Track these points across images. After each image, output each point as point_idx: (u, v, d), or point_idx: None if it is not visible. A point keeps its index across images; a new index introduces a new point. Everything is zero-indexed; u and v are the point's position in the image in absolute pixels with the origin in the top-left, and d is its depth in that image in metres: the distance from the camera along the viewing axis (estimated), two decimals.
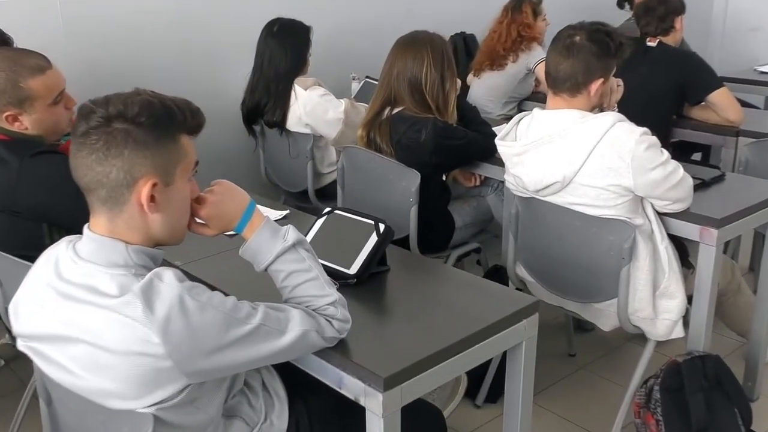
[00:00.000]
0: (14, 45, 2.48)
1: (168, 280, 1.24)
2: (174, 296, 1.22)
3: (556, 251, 2.31)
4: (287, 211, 2.24)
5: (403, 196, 2.64)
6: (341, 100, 3.19)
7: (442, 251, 2.84)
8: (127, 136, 1.25)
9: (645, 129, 2.10)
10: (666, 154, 2.11)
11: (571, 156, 2.09)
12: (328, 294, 1.43)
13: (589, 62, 2.11)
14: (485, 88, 4.03)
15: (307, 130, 3.21)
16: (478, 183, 3.09)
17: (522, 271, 2.48)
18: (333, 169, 3.27)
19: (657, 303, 2.21)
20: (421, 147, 2.58)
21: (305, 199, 3.33)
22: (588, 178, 2.10)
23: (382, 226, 1.78)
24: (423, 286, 1.82)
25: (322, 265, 1.50)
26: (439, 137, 2.57)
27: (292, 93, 3.19)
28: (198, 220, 1.42)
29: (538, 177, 2.18)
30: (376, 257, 1.77)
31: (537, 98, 4.04)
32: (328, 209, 1.92)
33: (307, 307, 1.41)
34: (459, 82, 2.77)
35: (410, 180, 2.61)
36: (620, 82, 2.33)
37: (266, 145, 3.45)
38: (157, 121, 1.27)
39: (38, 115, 1.89)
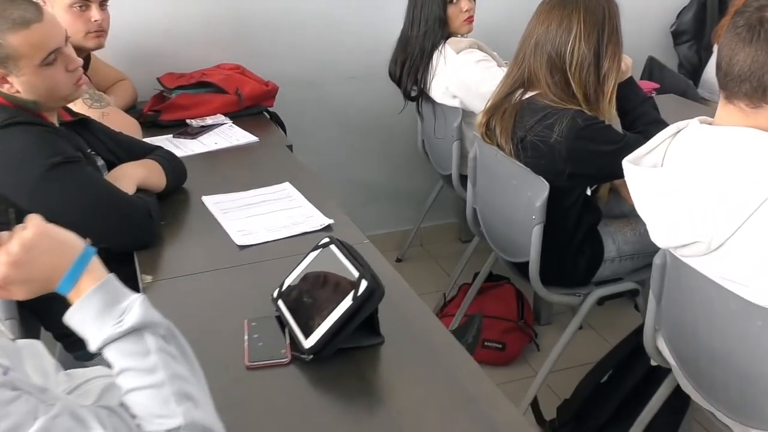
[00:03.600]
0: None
1: None
2: None
3: (705, 340, 1.52)
4: (330, 221, 1.72)
5: (527, 210, 1.97)
6: (503, 68, 2.53)
7: (580, 287, 2.12)
8: None
9: None
10: None
11: (731, 206, 1.29)
12: (170, 415, 0.92)
13: None
14: None
15: (455, 103, 2.61)
16: None
17: (664, 348, 1.71)
18: None
19: None
20: (552, 149, 1.87)
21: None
22: (748, 246, 1.29)
23: (363, 285, 1.21)
24: (401, 392, 1.21)
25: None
26: (578, 138, 1.84)
27: (440, 55, 2.59)
28: None
29: (668, 228, 1.41)
30: (348, 329, 1.21)
31: None
32: (326, 239, 1.38)
33: (137, 426, 0.92)
34: (628, 61, 1.99)
35: (536, 191, 1.93)
36: None
37: (423, 113, 2.91)
38: None
39: (27, 77, 1.58)
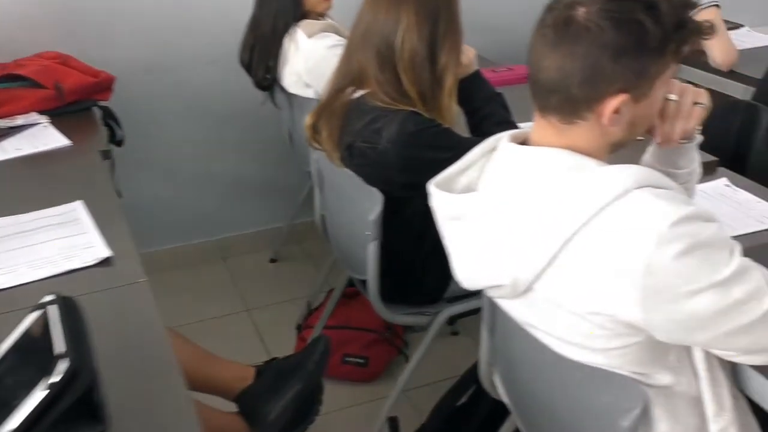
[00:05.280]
0: None
1: None
2: None
3: (530, 385, 1.32)
4: (109, 254, 1.45)
5: (363, 224, 1.74)
6: None
7: (431, 304, 1.90)
8: None
9: (695, 209, 1.01)
10: (734, 261, 1.01)
11: (535, 245, 1.07)
12: None
13: (598, 60, 1.04)
14: None
15: (309, 93, 2.34)
16: None
17: (500, 384, 1.50)
18: None
19: None
20: (382, 156, 1.63)
21: None
22: (557, 292, 1.08)
23: (62, 367, 0.95)
24: None
25: None
26: (408, 144, 1.60)
27: (290, 39, 2.32)
28: None
29: (472, 267, 1.18)
30: (44, 422, 0.95)
31: (695, 62, 2.78)
32: (49, 297, 1.11)
33: None
34: (470, 54, 1.75)
35: (371, 203, 1.70)
36: (700, 95, 1.22)
37: (279, 104, 2.63)
38: None
39: None
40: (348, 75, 1.71)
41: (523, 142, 1.19)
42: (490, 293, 1.21)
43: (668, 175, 1.32)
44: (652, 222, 0.99)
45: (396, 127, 1.59)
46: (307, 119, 1.77)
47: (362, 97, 1.68)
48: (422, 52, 1.61)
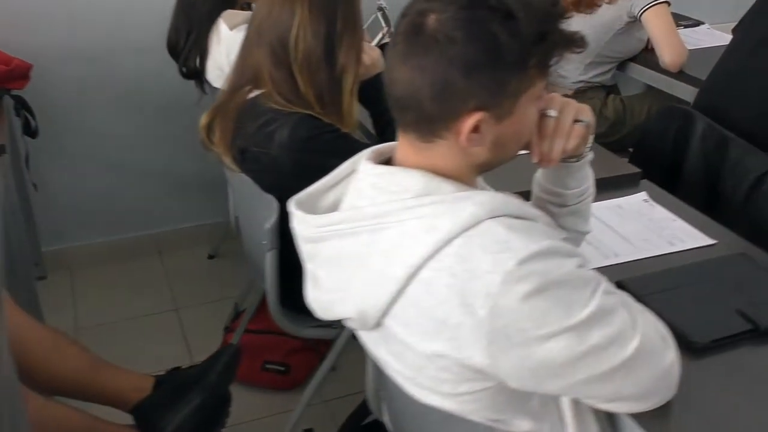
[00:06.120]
0: None
1: None
2: None
3: (402, 414, 1.23)
4: None
5: (260, 232, 1.63)
6: None
7: None
8: None
9: (549, 244, 0.91)
10: (593, 302, 0.90)
11: (381, 277, 0.97)
12: None
13: (447, 75, 0.93)
14: None
15: None
16: None
17: (386, 411, 1.40)
18: None
19: None
20: (275, 163, 1.52)
21: None
22: (404, 330, 0.97)
23: None
24: None
25: None
26: (301, 150, 1.49)
27: (213, 32, 2.20)
28: None
29: (324, 296, 1.08)
30: None
31: (642, 60, 2.68)
32: None
33: None
34: (374, 54, 1.64)
35: (268, 211, 1.59)
36: (583, 111, 1.11)
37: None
38: None
39: None
40: (244, 73, 1.60)
41: (389, 159, 1.09)
42: (346, 324, 1.11)
43: (557, 195, 1.22)
44: (499, 258, 0.89)
45: (288, 132, 1.48)
46: (203, 118, 1.66)
47: (257, 97, 1.57)
48: (318, 51, 1.50)
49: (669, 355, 0.98)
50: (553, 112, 1.09)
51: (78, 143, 2.73)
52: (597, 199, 1.60)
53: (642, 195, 1.61)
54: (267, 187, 1.58)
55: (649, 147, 2.05)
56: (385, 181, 1.01)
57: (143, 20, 2.62)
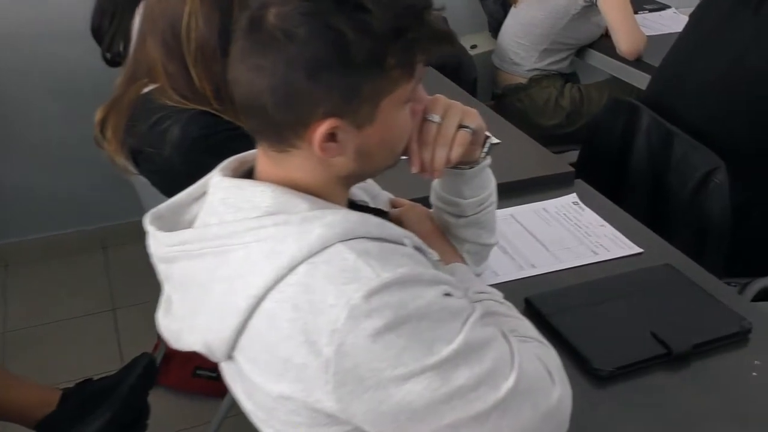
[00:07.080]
0: None
1: None
2: None
3: None
4: None
5: None
6: None
7: None
8: None
9: (406, 272, 0.79)
10: (460, 337, 0.79)
11: (224, 307, 0.85)
12: None
13: (288, 78, 0.80)
14: (519, 24, 2.58)
15: None
16: None
17: None
18: None
19: None
20: (168, 165, 1.40)
21: None
22: (251, 367, 0.86)
23: None
24: None
25: None
26: (192, 151, 1.36)
27: (138, 14, 2.06)
28: None
29: (174, 324, 0.96)
30: None
31: (602, 47, 2.55)
32: None
33: None
34: None
35: None
36: (469, 116, 0.98)
37: None
38: None
39: None
40: (139, 65, 1.46)
41: (251, 169, 0.96)
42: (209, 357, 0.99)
43: (453, 205, 1.10)
44: (345, 290, 0.77)
45: (178, 131, 1.36)
46: (98, 113, 1.53)
47: (151, 92, 1.44)
48: (212, 41, 1.37)
49: (555, 392, 0.87)
50: (435, 117, 0.96)
51: (11, 134, 2.60)
52: (523, 201, 1.49)
53: (572, 197, 1.49)
54: (164, 190, 1.46)
55: (596, 141, 1.93)
56: (233, 196, 0.89)
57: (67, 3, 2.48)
